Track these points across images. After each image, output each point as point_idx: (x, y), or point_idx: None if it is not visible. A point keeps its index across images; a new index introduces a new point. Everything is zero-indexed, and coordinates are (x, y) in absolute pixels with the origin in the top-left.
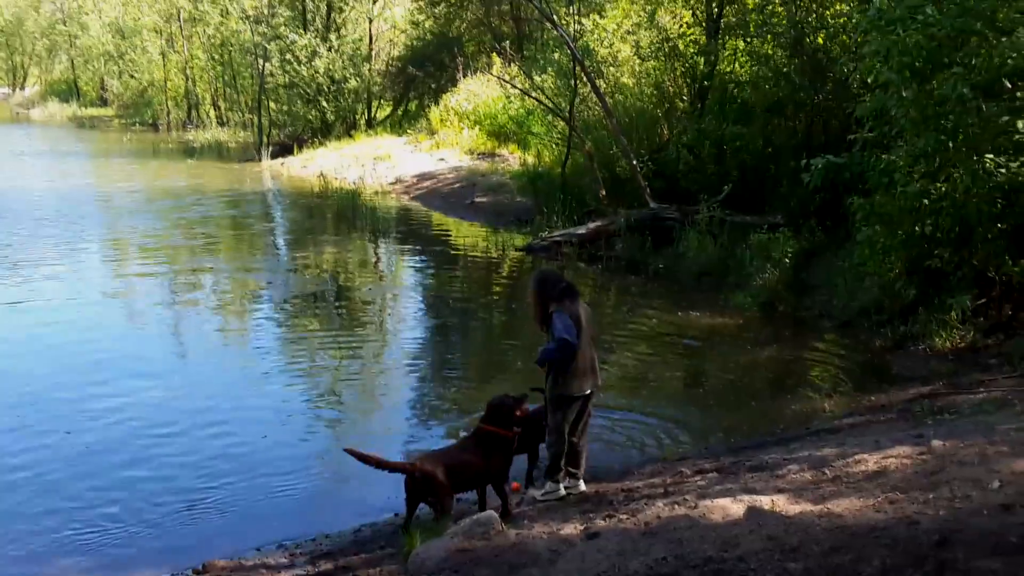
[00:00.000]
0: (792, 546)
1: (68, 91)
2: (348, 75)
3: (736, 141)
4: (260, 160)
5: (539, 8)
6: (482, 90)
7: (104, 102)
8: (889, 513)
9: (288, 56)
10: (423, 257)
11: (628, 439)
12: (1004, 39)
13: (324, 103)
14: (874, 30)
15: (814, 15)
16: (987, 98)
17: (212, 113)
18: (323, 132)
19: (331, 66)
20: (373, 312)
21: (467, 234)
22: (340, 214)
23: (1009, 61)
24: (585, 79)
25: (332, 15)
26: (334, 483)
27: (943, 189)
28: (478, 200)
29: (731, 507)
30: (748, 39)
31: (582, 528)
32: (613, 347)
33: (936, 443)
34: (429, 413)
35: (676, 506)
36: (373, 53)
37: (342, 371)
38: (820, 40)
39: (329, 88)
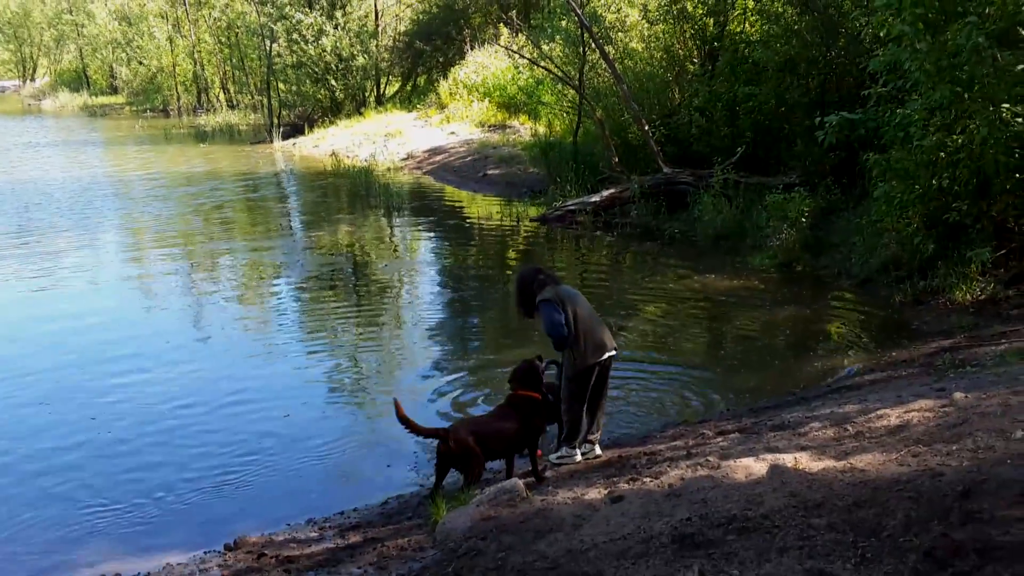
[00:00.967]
0: (816, 502)
1: (78, 80)
2: (355, 52)
3: (748, 102)
4: (271, 141)
5: None
6: (490, 62)
7: (114, 90)
8: (912, 466)
9: (295, 36)
10: (438, 231)
11: (649, 403)
12: None
13: (333, 81)
14: None
15: None
16: (1002, 47)
17: (222, 96)
18: (333, 111)
19: (338, 44)
20: (390, 288)
21: (481, 207)
22: (353, 192)
23: None
24: (594, 46)
25: None
26: (359, 457)
27: (959, 141)
28: (490, 172)
29: (754, 466)
30: None
31: (606, 492)
32: (632, 312)
33: (958, 395)
34: (450, 386)
35: (699, 467)
36: (379, 29)
37: (362, 347)
38: None
39: (337, 66)
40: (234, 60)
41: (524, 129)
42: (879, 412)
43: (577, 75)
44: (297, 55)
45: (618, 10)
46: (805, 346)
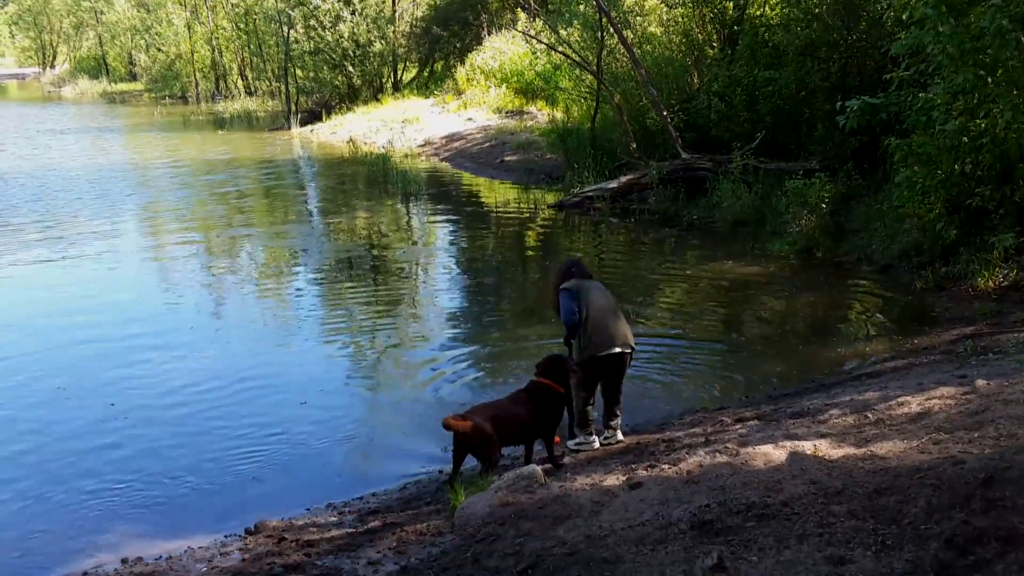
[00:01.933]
0: (836, 489)
1: (97, 67)
2: (373, 38)
3: (768, 86)
4: (289, 128)
5: None
6: (507, 47)
7: (133, 77)
8: (934, 453)
9: (312, 22)
10: (455, 218)
11: (667, 390)
12: None
13: (350, 68)
14: None
15: None
16: None
17: (240, 83)
18: (350, 97)
19: (355, 30)
20: (408, 274)
21: (498, 193)
22: (371, 178)
23: None
24: (612, 30)
25: None
26: (378, 443)
27: (982, 125)
28: (508, 159)
29: (773, 453)
30: None
31: (624, 479)
32: (650, 298)
33: (980, 382)
34: (467, 371)
35: (718, 454)
36: (396, 15)
37: (379, 332)
38: None
39: (354, 52)
40: (252, 46)
41: (541, 115)
42: (900, 399)
43: (595, 60)
44: (314, 41)
45: None
46: (825, 333)
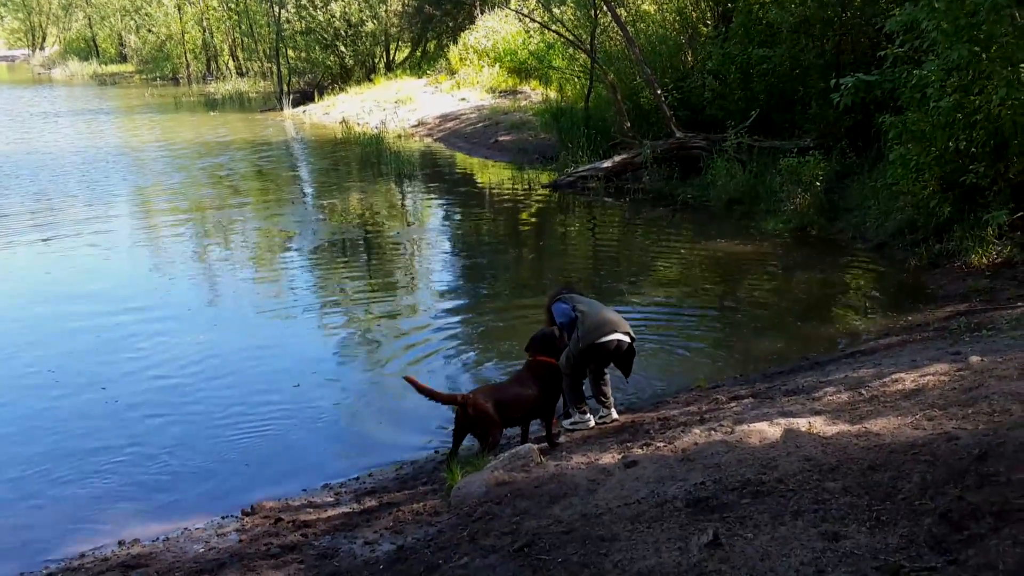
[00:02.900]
0: (831, 466)
1: (87, 49)
2: (365, 18)
3: (762, 64)
4: (282, 109)
5: None
6: (500, 26)
7: (123, 58)
8: (928, 430)
9: (303, 1)
10: (449, 198)
11: (663, 368)
12: None
13: (342, 48)
14: None
15: None
16: (1021, 6)
17: (231, 64)
18: (343, 78)
19: (347, 9)
20: (402, 255)
21: (492, 173)
22: (364, 159)
23: None
24: (605, 8)
25: None
26: (374, 424)
27: (977, 102)
28: (501, 139)
29: (768, 430)
30: None
31: (620, 457)
32: (644, 277)
33: (974, 359)
34: (463, 351)
35: (713, 432)
36: None
37: (375, 313)
38: None
39: (346, 32)
40: (243, 27)
41: (535, 94)
42: (894, 376)
43: (588, 39)
44: (306, 21)
45: None
46: (819, 310)
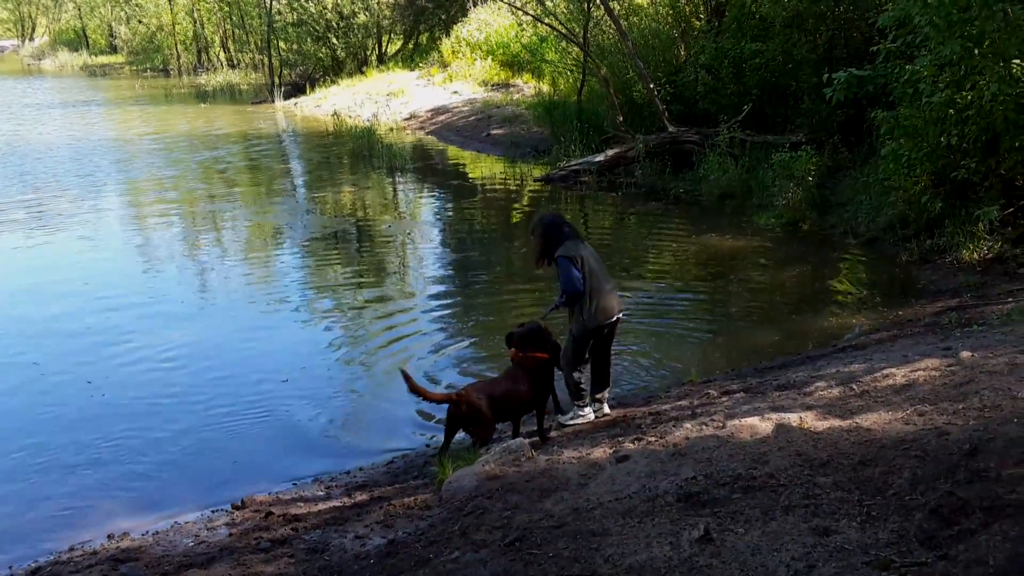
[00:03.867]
0: (821, 461)
1: (77, 40)
2: (356, 10)
3: (755, 58)
4: (273, 101)
5: None
6: (493, 19)
7: (114, 49)
8: (918, 425)
9: None
10: (441, 192)
11: (654, 363)
12: None
13: (334, 40)
14: None
15: None
16: (1013, 1)
17: (222, 55)
18: (335, 70)
19: (339, 1)
20: (393, 249)
21: (484, 167)
22: (356, 152)
23: None
24: (598, 1)
25: None
26: (365, 418)
27: (969, 98)
28: (494, 132)
29: (759, 425)
30: None
31: (611, 452)
32: (636, 272)
33: (965, 354)
34: (454, 344)
35: (704, 426)
36: None
37: (366, 306)
38: None
39: (338, 24)
40: (234, 18)
41: (528, 88)
42: (885, 371)
43: (581, 32)
44: (298, 12)
45: None
46: (810, 305)
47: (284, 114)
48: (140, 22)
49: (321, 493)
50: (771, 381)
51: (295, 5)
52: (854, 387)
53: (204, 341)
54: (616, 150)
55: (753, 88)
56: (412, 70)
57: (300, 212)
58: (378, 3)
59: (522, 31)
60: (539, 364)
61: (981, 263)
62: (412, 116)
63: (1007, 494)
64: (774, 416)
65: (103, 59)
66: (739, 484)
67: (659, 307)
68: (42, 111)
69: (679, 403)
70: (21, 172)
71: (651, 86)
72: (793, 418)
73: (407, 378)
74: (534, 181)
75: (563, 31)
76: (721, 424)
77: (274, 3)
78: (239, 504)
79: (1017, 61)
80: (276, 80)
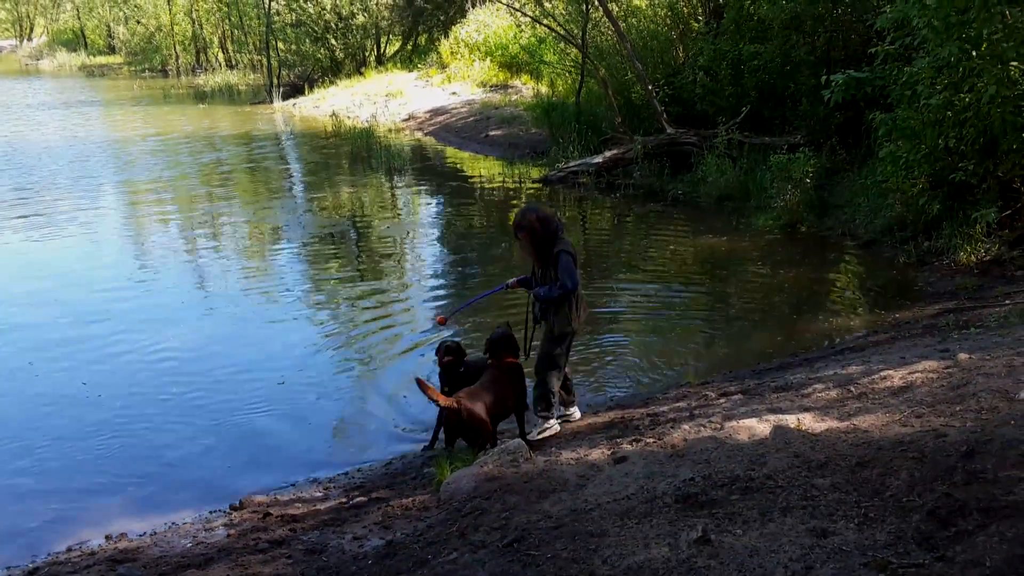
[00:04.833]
0: (819, 462)
1: (75, 40)
2: (355, 10)
3: (754, 60)
4: (271, 102)
5: None
6: (492, 20)
7: (112, 49)
8: (916, 427)
9: None
10: (440, 193)
11: (652, 365)
12: None
13: (332, 40)
14: None
15: None
16: (1012, 4)
17: (220, 56)
18: (333, 71)
19: (337, 2)
20: (391, 250)
21: (483, 168)
22: (354, 153)
23: None
24: (597, 3)
25: None
26: (364, 419)
27: (967, 100)
28: (492, 133)
29: (757, 427)
30: None
31: (609, 453)
32: (634, 273)
33: (962, 356)
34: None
35: (702, 428)
36: None
37: (364, 308)
38: None
39: (337, 25)
40: (232, 19)
41: (526, 89)
42: (883, 373)
43: (580, 33)
44: (296, 13)
45: None
46: (808, 307)
47: (283, 115)
48: (138, 22)
49: (319, 494)
50: (769, 383)
51: (294, 6)
52: (852, 389)
53: (202, 341)
54: (614, 151)
55: (751, 90)
56: (411, 71)
57: (298, 213)
58: (377, 4)
59: (520, 32)
60: (518, 369)
61: (978, 265)
62: (410, 117)
63: (1004, 495)
64: (772, 418)
65: (101, 59)
66: (737, 485)
67: (657, 309)
68: (41, 111)
69: (677, 404)
70: (21, 172)
71: (649, 87)
72: (791, 420)
73: (423, 387)
74: (532, 182)
75: (561, 32)
76: (719, 425)
77: (273, 4)
78: (237, 505)
79: (1015, 63)
80: (275, 81)
